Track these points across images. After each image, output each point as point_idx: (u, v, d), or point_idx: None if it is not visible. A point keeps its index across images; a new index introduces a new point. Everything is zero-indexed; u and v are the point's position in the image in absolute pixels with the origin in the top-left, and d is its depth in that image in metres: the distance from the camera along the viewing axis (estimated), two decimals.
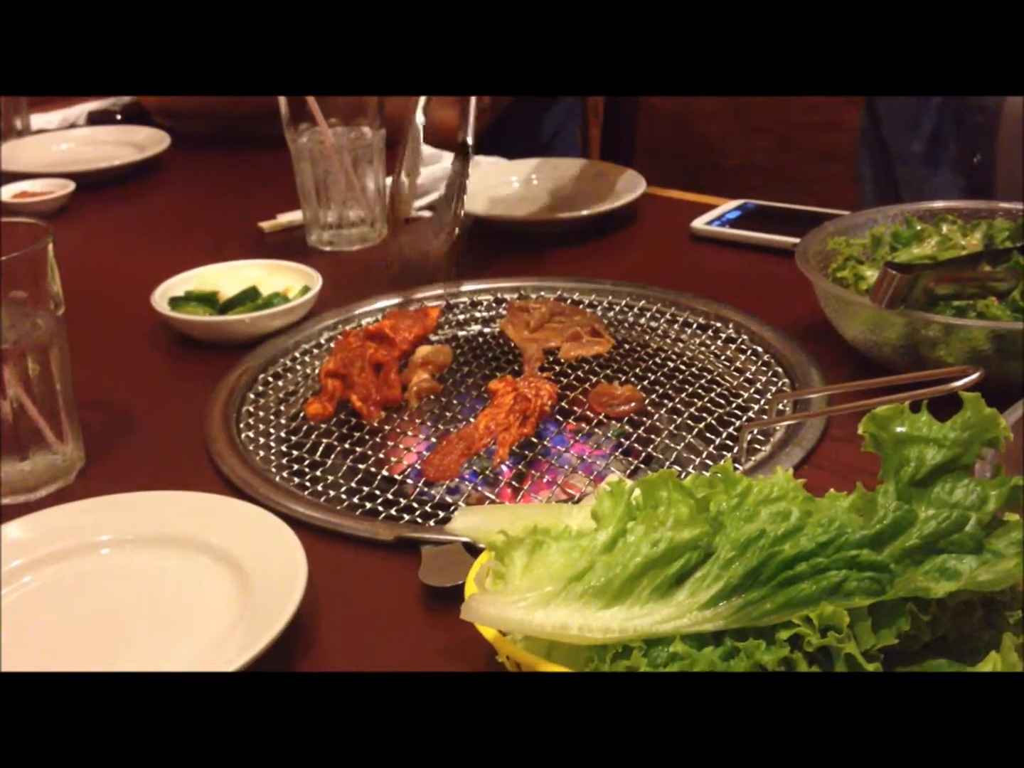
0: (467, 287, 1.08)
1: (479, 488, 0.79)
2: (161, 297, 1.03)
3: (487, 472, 0.81)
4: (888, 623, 0.48)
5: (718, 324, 0.99)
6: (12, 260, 0.74)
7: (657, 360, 0.94)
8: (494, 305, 1.07)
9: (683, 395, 0.88)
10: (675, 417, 0.85)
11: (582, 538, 0.52)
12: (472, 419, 0.84)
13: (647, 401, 0.87)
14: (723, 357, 0.95)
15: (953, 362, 0.80)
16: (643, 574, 0.50)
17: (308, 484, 0.80)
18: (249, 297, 1.04)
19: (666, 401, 0.87)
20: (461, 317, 1.06)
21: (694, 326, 1.00)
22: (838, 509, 0.51)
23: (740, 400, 0.87)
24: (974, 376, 0.64)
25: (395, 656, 0.63)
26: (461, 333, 1.04)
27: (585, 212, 1.24)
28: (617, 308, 1.04)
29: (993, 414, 0.50)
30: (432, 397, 0.91)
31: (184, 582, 0.68)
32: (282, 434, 0.88)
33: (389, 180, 1.27)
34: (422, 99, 1.01)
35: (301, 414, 0.90)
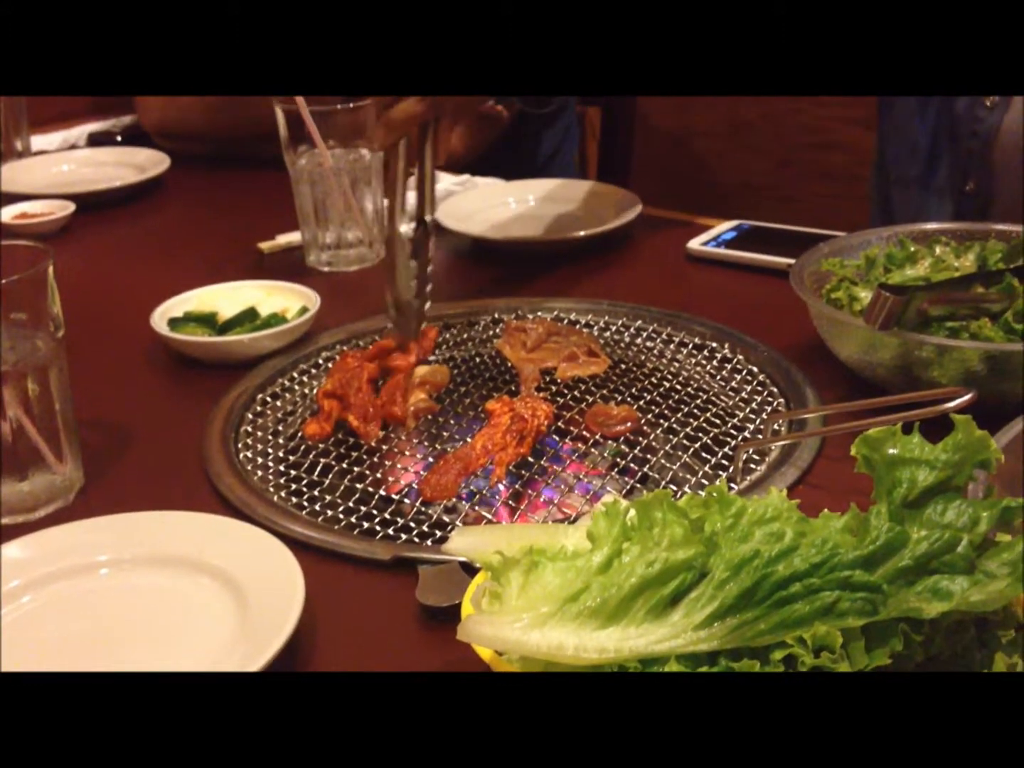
0: (464, 307, 1.09)
1: (476, 508, 0.80)
2: (160, 317, 1.04)
3: (484, 492, 0.81)
4: (881, 643, 0.48)
5: (714, 344, 0.99)
6: (12, 283, 0.74)
7: (653, 380, 0.95)
8: (491, 325, 1.08)
9: (679, 415, 0.88)
10: (671, 437, 0.86)
11: (578, 558, 0.52)
12: (469, 439, 0.84)
13: (643, 421, 0.88)
14: (719, 377, 0.96)
15: (947, 382, 0.81)
16: (638, 594, 0.50)
17: (306, 504, 0.80)
18: (248, 317, 1.05)
19: (662, 421, 0.88)
20: (458, 337, 1.06)
21: (690, 346, 1.00)
22: (832, 530, 0.51)
23: (736, 420, 0.88)
24: (966, 397, 0.65)
25: None
26: (458, 353, 1.04)
27: (582, 233, 1.25)
28: (613, 328, 1.05)
29: (984, 436, 0.51)
30: (429, 417, 0.92)
31: (182, 602, 0.68)
32: (280, 454, 0.88)
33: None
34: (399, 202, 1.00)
35: (299, 434, 0.90)
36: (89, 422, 0.89)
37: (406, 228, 1.00)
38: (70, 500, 0.81)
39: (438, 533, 0.75)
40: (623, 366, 0.98)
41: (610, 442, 0.87)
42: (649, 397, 0.91)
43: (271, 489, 0.82)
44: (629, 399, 0.91)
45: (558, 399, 0.91)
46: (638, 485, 0.81)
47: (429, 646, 0.65)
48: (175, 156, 1.63)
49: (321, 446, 0.87)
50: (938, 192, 1.27)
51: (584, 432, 0.87)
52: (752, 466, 0.81)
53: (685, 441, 0.85)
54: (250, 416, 0.93)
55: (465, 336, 1.07)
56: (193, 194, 1.61)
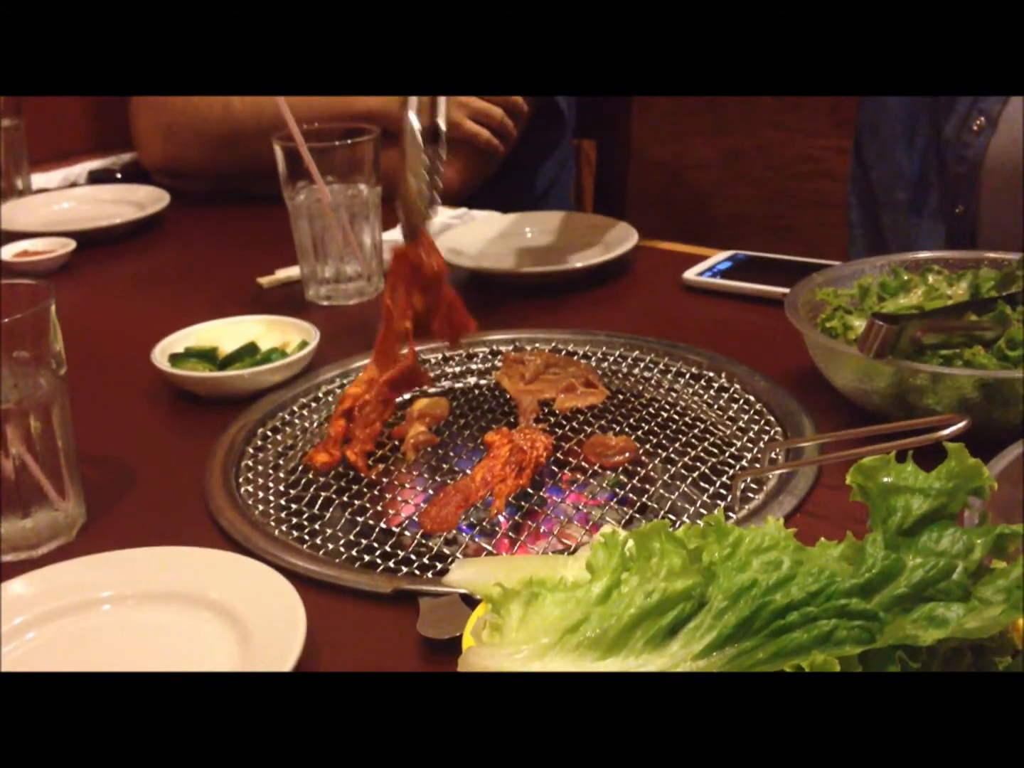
0: (463, 340, 1.10)
1: (476, 539, 0.80)
2: (161, 353, 1.05)
3: (484, 523, 0.82)
4: (878, 671, 0.48)
5: (711, 374, 1.00)
6: (15, 322, 0.75)
7: (651, 410, 0.95)
8: (490, 357, 1.08)
9: (677, 445, 0.89)
10: (669, 467, 0.87)
11: (577, 589, 0.53)
12: (469, 471, 0.85)
13: (641, 451, 0.88)
14: (716, 407, 0.96)
15: (941, 410, 0.81)
16: (637, 625, 0.50)
17: (307, 537, 0.81)
18: (248, 352, 1.05)
19: (660, 451, 0.88)
20: (457, 369, 1.07)
21: (687, 376, 1.01)
22: (828, 558, 0.52)
23: (733, 449, 0.88)
24: (960, 425, 0.65)
25: None
26: (457, 385, 1.05)
27: (579, 264, 1.26)
28: (611, 359, 1.06)
29: (977, 464, 0.52)
30: (429, 449, 0.92)
31: (185, 637, 0.69)
32: (281, 487, 0.88)
33: (387, 235, 1.29)
34: (413, 100, 0.97)
35: (300, 467, 0.91)
36: (91, 458, 0.89)
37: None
38: (72, 537, 0.82)
39: (439, 565, 0.75)
40: (621, 396, 0.99)
41: (609, 472, 0.88)
42: (647, 427, 0.92)
43: (272, 523, 0.82)
44: (627, 429, 0.92)
45: (557, 430, 0.91)
46: (637, 515, 0.82)
47: None
48: (175, 193, 1.64)
49: (322, 479, 0.88)
50: (931, 216, 1.28)
51: (583, 463, 0.87)
52: (750, 495, 0.81)
53: (683, 471, 0.85)
54: (251, 450, 0.93)
55: (464, 368, 1.07)
56: (192, 230, 1.62)
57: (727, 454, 0.87)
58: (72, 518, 0.82)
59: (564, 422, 0.93)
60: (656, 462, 0.87)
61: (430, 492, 0.85)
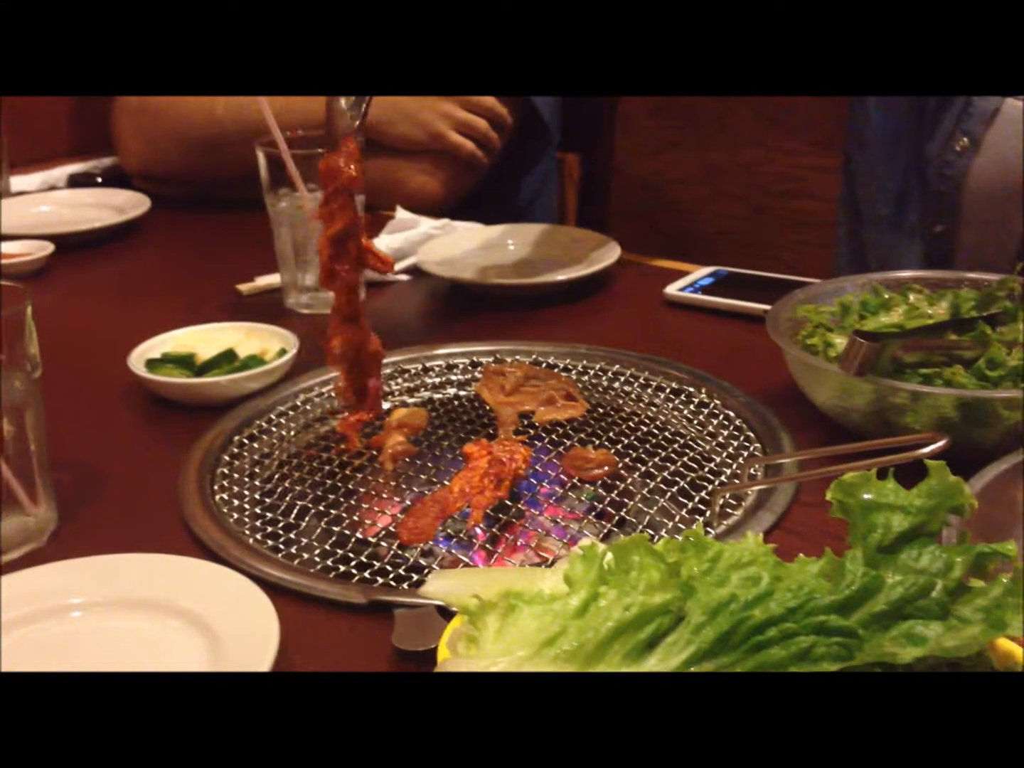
0: (443, 350, 1.09)
1: (453, 551, 0.80)
2: (138, 359, 1.04)
3: (461, 535, 0.81)
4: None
5: (691, 389, 1.00)
6: None
7: (631, 424, 0.95)
8: (469, 368, 1.08)
9: (656, 459, 0.88)
10: (648, 481, 0.86)
11: (554, 602, 0.52)
12: (447, 482, 0.84)
13: (620, 465, 0.88)
14: (695, 422, 0.96)
15: (920, 428, 0.81)
16: (615, 639, 0.50)
17: (282, 546, 0.80)
18: (226, 359, 1.04)
19: (639, 465, 0.88)
20: (437, 380, 1.07)
21: (667, 391, 1.01)
22: (807, 574, 0.52)
23: (712, 464, 0.88)
24: (940, 444, 0.65)
25: None
26: (437, 396, 1.05)
27: (561, 277, 1.26)
28: (591, 372, 1.05)
29: (958, 482, 0.52)
30: (407, 460, 0.92)
31: (156, 645, 0.68)
32: (256, 496, 0.88)
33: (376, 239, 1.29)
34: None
35: (276, 476, 0.90)
36: (64, 463, 0.88)
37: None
38: (43, 542, 0.81)
39: (415, 576, 0.75)
40: (601, 410, 0.99)
41: (587, 486, 0.87)
42: (626, 441, 0.91)
43: (247, 531, 0.82)
44: (607, 443, 0.92)
45: (536, 442, 0.91)
46: (615, 529, 0.81)
47: None
48: (155, 198, 1.64)
49: (298, 488, 0.87)
50: (908, 232, 1.29)
51: (562, 476, 0.87)
52: (728, 511, 0.81)
53: (662, 485, 0.85)
54: (227, 458, 0.92)
55: (444, 379, 1.07)
56: (172, 236, 1.61)
57: (706, 469, 0.87)
58: (43, 523, 0.81)
59: (543, 434, 0.93)
60: (635, 476, 0.87)
61: (407, 503, 0.84)
